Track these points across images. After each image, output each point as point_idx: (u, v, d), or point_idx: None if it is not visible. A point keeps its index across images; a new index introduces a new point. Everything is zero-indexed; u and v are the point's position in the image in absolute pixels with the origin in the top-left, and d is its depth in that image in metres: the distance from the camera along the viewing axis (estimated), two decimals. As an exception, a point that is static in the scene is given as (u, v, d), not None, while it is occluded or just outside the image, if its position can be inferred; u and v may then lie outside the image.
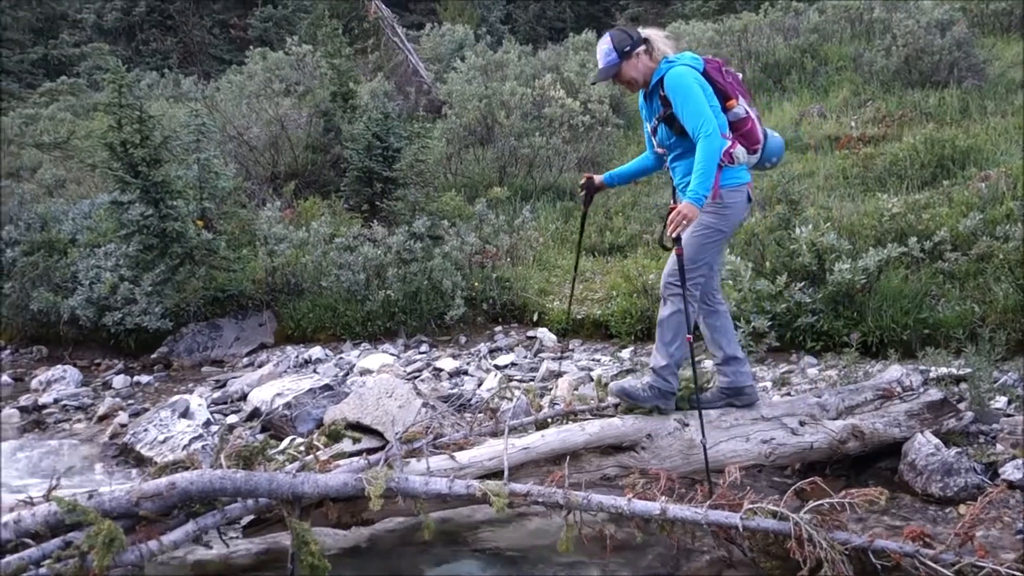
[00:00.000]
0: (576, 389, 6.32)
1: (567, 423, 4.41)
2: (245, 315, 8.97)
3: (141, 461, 5.71)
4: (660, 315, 4.39)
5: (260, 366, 7.92)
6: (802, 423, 4.56)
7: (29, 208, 11.51)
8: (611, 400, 4.51)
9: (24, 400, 7.59)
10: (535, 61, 17.33)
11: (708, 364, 5.14)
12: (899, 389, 4.84)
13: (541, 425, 4.44)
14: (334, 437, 4.34)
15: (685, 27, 18.29)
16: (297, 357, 8.00)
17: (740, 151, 4.29)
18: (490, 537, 4.29)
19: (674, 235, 4.05)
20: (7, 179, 14.94)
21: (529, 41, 22.87)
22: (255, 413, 6.27)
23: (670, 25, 19.10)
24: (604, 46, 4.30)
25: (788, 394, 5.81)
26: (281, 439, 5.67)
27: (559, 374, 6.75)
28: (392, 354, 7.95)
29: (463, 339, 8.38)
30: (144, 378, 8.10)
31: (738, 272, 6.90)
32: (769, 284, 6.83)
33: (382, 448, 4.67)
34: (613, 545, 3.67)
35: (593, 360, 7.36)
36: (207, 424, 6.08)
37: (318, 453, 4.07)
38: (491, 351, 7.88)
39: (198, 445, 5.54)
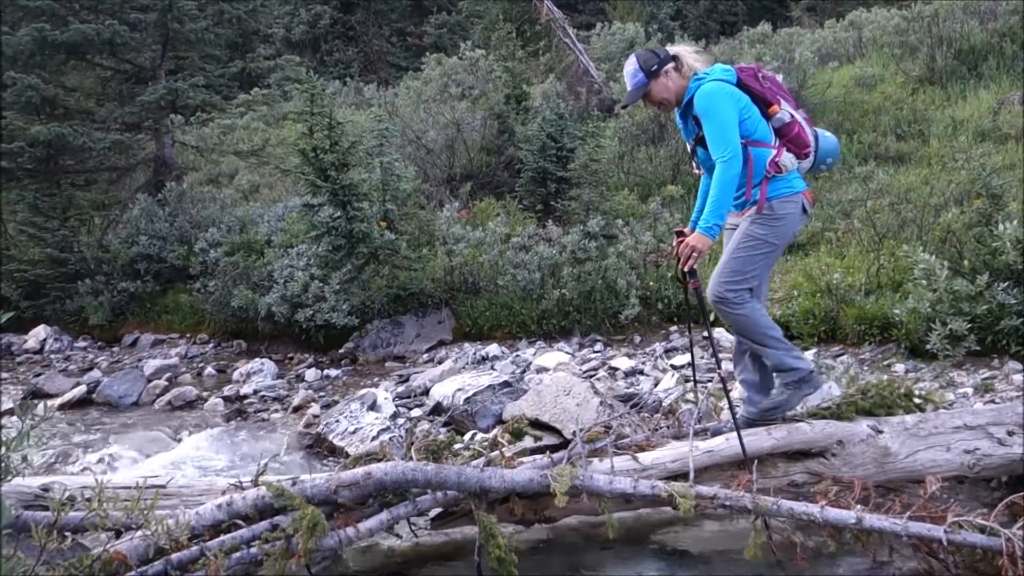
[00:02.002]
0: (757, 391, 6.14)
1: (752, 426, 4.29)
2: (425, 313, 9.29)
3: (333, 450, 6.03)
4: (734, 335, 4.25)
5: (440, 362, 8.19)
6: (1010, 433, 4.24)
7: (229, 212, 12.39)
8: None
9: (227, 390, 8.19)
10: (708, 57, 16.93)
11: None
12: None
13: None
14: (517, 435, 4.43)
15: (867, 15, 17.36)
16: (475, 354, 8.21)
17: (787, 159, 4.03)
18: (671, 538, 4.24)
19: (686, 269, 3.92)
20: (208, 185, 16.17)
21: (701, 37, 22.40)
22: (437, 407, 6.49)
23: (850, 14, 18.17)
24: (630, 67, 4.13)
25: (992, 401, 5.41)
26: (462, 433, 5.83)
27: (738, 376, 6.57)
28: (567, 352, 8.01)
29: (638, 338, 8.33)
30: (333, 372, 8.56)
31: (932, 271, 6.49)
32: (968, 284, 6.38)
33: (562, 446, 4.73)
34: (803, 553, 3.54)
35: (774, 362, 7.12)
36: (393, 416, 6.35)
37: (503, 450, 4.15)
38: (667, 351, 7.78)
39: (385, 437, 5.78)
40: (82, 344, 11.35)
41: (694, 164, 4.30)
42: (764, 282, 4.29)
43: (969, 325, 6.15)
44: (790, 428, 4.14)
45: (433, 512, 4.11)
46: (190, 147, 15.87)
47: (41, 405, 2.33)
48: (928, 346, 6.24)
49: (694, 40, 19.50)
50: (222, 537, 3.56)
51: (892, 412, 4.32)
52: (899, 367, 6.48)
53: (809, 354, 7.10)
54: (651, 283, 8.59)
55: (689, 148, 4.25)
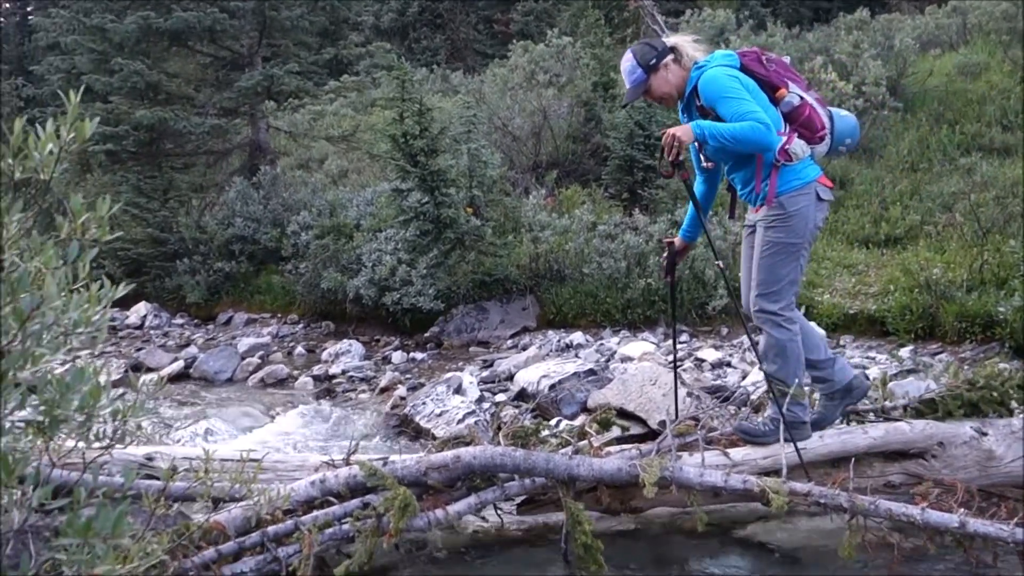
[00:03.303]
0: (849, 388, 5.99)
1: (847, 424, 4.19)
2: (509, 299, 9.34)
3: (419, 432, 6.13)
4: (760, 346, 4.05)
5: (524, 349, 8.22)
6: None
7: (320, 196, 12.66)
8: (899, 401, 4.22)
9: (316, 370, 8.39)
10: (802, 44, 16.51)
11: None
12: None
13: (817, 425, 4.25)
14: (604, 424, 4.41)
15: (972, 1, 16.62)
16: (559, 341, 8.22)
17: (798, 145, 3.80)
18: (759, 533, 4.17)
19: (671, 160, 3.70)
20: (300, 169, 16.54)
21: (793, 24, 21.81)
22: (522, 393, 6.52)
23: (957, -2, 17.45)
24: (627, 63, 3.93)
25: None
26: (547, 419, 5.85)
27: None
28: (652, 342, 7.95)
29: (725, 330, 8.21)
30: (418, 355, 8.68)
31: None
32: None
33: (648, 436, 4.71)
34: (901, 555, 3.45)
35: (867, 358, 6.94)
36: (479, 401, 6.41)
37: (591, 439, 4.15)
38: (755, 343, 7.63)
39: (471, 420, 5.84)
40: (179, 321, 11.79)
41: (702, 158, 4.09)
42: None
43: None
44: (888, 427, 4.03)
45: (519, 499, 4.14)
46: (283, 132, 16.26)
47: (155, 376, 2.42)
48: (1034, 346, 6.00)
49: (786, 27, 19.07)
50: (315, 513, 3.65)
51: (1004, 404, 4.14)
52: (1002, 367, 6.22)
53: (905, 351, 6.90)
54: (740, 274, 8.42)
55: (696, 145, 3.99)
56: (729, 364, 7.12)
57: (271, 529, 3.45)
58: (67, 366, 1.86)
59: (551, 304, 9.11)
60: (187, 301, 11.98)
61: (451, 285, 9.23)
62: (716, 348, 7.57)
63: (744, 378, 6.63)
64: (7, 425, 1.64)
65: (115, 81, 12.72)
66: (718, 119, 3.73)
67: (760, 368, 4.18)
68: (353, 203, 12.04)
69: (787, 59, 4.09)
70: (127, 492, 2.19)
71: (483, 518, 4.18)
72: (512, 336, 8.93)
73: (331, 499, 3.76)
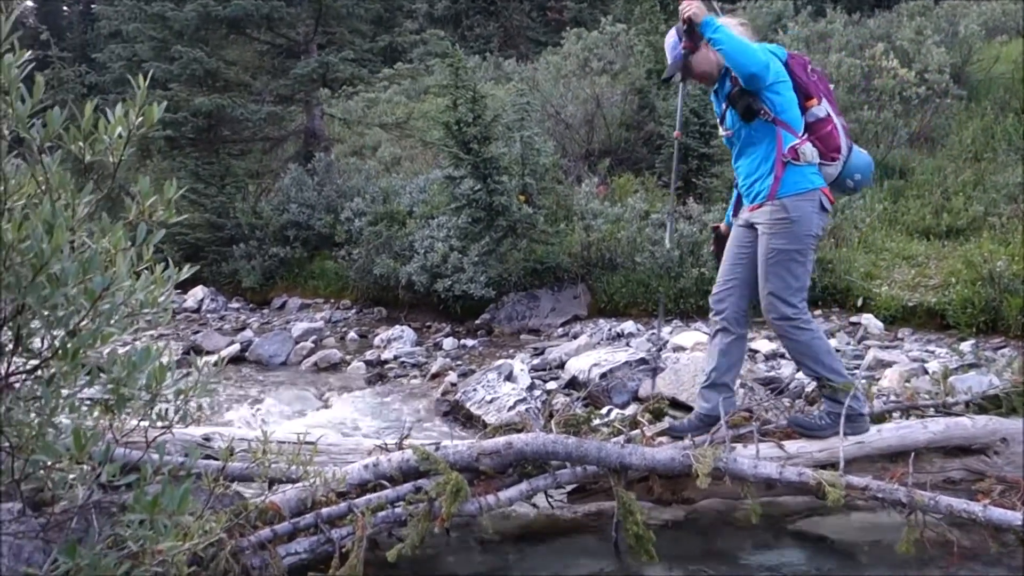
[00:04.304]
0: (908, 382, 5.88)
1: (906, 418, 4.11)
2: (560, 287, 9.32)
3: (469, 418, 6.15)
4: (790, 353, 4.07)
5: (574, 337, 8.20)
6: None
7: (373, 183, 12.76)
8: (961, 397, 4.12)
9: (369, 355, 8.48)
10: (863, 30, 16.14)
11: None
12: None
13: (876, 419, 4.17)
14: (657, 414, 4.39)
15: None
16: (610, 330, 8.18)
17: (808, 149, 3.79)
18: (813, 526, 4.11)
19: (684, 20, 3.80)
20: (353, 156, 16.69)
21: (854, 9, 21.31)
22: (573, 381, 6.51)
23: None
24: (670, 39, 3.98)
25: None
26: (598, 408, 5.83)
27: (887, 364, 6.30)
28: (705, 332, 7.85)
29: (778, 322, 8.07)
30: (469, 342, 8.72)
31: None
32: None
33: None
34: (960, 553, 3.37)
35: (926, 351, 6.78)
36: (529, 388, 6.41)
37: (643, 428, 4.12)
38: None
39: (522, 408, 5.85)
40: (235, 305, 12.01)
41: (722, 129, 4.11)
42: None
43: None
44: (949, 422, 3.94)
45: (569, 487, 4.13)
46: (337, 119, 16.41)
47: (215, 358, 2.46)
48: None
49: (846, 13, 18.64)
50: (368, 496, 3.69)
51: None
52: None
53: (966, 345, 6.73)
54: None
55: (719, 112, 4.07)
56: (783, 356, 7.00)
57: (325, 511, 3.50)
58: (128, 347, 1.90)
59: (602, 292, 9.07)
60: (243, 286, 12.20)
61: (502, 273, 9.24)
62: (770, 340, 7.46)
63: (798, 370, 6.52)
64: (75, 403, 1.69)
65: (175, 68, 12.97)
66: (736, 83, 3.81)
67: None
68: (406, 190, 12.12)
69: (828, 80, 4.17)
70: (190, 471, 2.24)
71: (533, 505, 4.19)
72: (563, 324, 8.92)
73: (384, 483, 3.80)
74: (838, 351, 7.04)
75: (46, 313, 1.47)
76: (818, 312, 8.10)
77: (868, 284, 8.11)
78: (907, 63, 12.48)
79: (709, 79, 4.03)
